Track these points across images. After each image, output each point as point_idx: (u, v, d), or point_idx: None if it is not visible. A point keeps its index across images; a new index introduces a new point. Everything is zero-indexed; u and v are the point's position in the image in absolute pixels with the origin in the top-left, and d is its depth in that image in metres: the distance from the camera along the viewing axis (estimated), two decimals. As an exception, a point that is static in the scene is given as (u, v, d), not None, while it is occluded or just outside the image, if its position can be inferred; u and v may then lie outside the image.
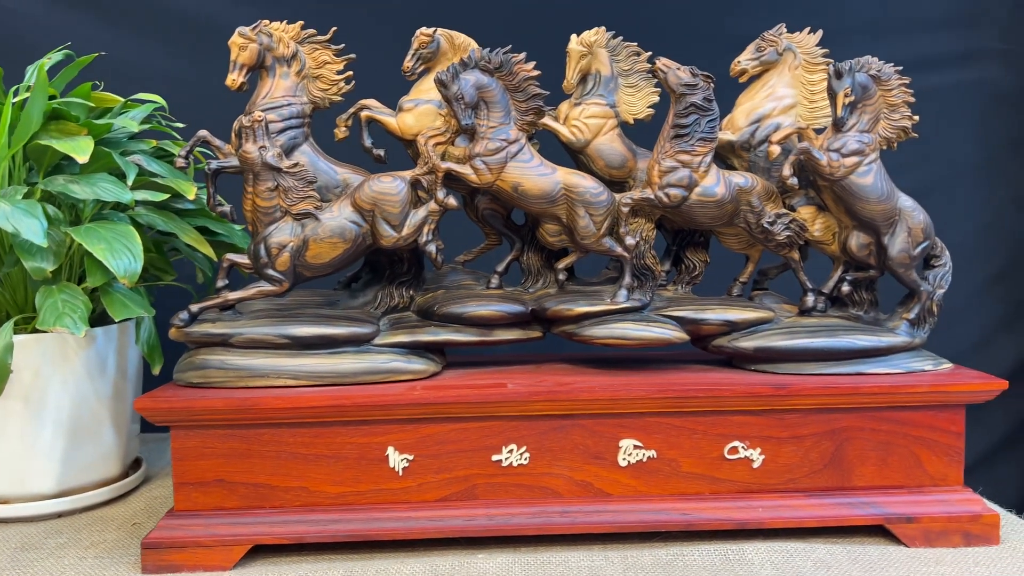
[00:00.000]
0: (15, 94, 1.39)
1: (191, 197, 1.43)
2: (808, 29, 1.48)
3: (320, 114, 1.43)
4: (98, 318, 1.47)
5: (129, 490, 1.54)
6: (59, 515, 1.43)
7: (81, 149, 1.30)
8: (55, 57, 1.52)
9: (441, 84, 1.30)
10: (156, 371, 1.52)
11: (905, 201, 1.37)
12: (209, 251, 1.48)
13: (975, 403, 1.31)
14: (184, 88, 1.81)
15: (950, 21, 2.12)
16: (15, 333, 1.34)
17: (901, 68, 1.35)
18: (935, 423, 1.31)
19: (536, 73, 1.34)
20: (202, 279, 1.66)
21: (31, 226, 1.23)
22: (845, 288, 1.41)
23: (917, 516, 1.28)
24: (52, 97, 1.40)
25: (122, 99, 1.57)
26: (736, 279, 1.48)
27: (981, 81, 2.14)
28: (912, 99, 1.35)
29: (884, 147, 1.36)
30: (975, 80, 2.14)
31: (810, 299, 1.41)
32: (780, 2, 2.01)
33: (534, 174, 1.32)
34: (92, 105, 1.50)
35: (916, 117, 1.36)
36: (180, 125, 1.67)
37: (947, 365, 1.37)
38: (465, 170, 1.32)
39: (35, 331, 1.38)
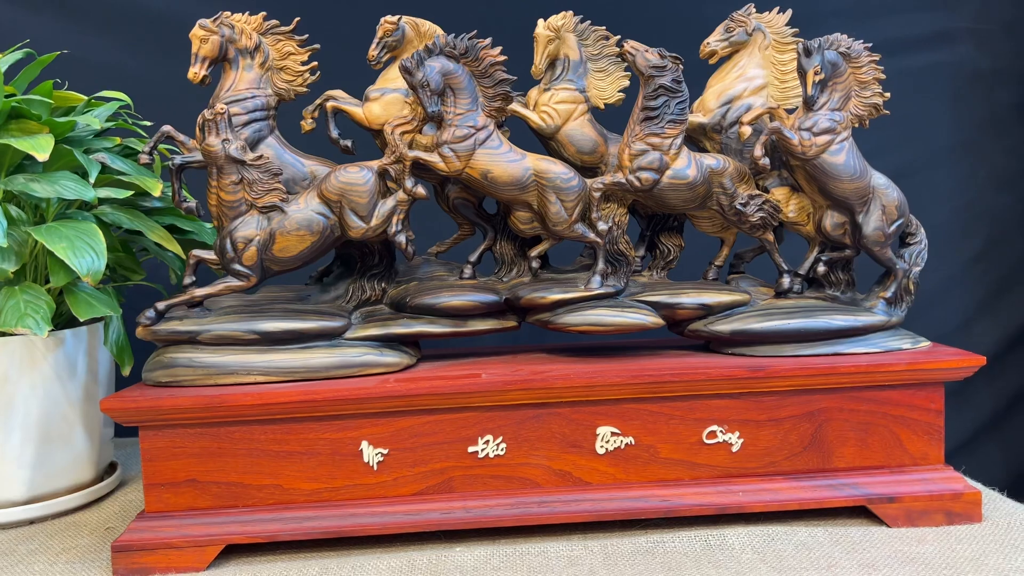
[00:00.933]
0: (-27, 93, 1.36)
1: (156, 194, 1.41)
2: (777, 9, 1.47)
3: (286, 106, 1.41)
4: (68, 320, 1.45)
5: (103, 495, 1.51)
6: (31, 522, 1.41)
7: (40, 147, 1.28)
8: (15, 55, 1.49)
9: (406, 71, 1.28)
10: (126, 372, 1.50)
11: (878, 179, 1.36)
12: (177, 249, 1.45)
13: (953, 380, 1.31)
14: (150, 85, 1.78)
15: (923, 3, 2.11)
16: (-21, 337, 1.32)
17: (871, 45, 1.34)
18: (914, 401, 1.30)
19: (503, 58, 1.32)
20: (175, 280, 1.63)
21: (-10, 226, 1.21)
22: (821, 269, 1.40)
23: (898, 496, 1.27)
24: (11, 95, 1.37)
25: (86, 97, 1.54)
26: (711, 263, 1.47)
27: (956, 62, 2.14)
28: (883, 76, 1.34)
29: (856, 125, 1.35)
30: (950, 61, 2.14)
31: (786, 281, 1.40)
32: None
33: (503, 161, 1.31)
34: (55, 104, 1.48)
35: (887, 94, 1.35)
36: (147, 123, 1.64)
37: (925, 343, 1.36)
38: (433, 158, 1.30)
39: (1, 334, 1.35)
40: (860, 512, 1.30)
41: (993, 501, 1.35)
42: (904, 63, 2.08)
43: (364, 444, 1.25)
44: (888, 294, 1.37)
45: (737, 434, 1.29)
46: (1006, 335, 2.16)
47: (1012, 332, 2.17)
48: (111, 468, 1.59)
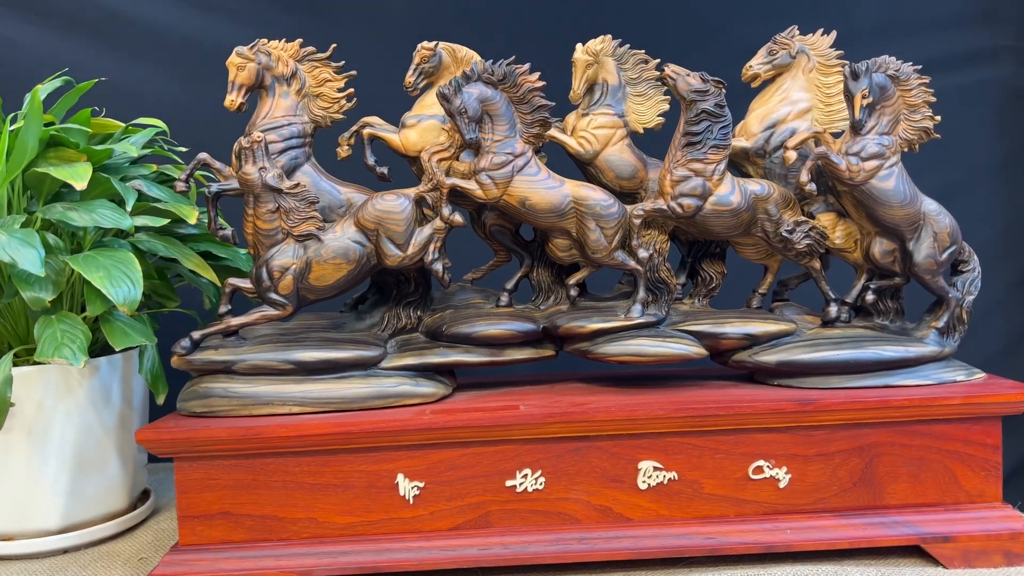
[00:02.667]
0: (12, 121, 1.37)
1: (192, 221, 1.40)
2: (821, 31, 1.44)
3: (322, 133, 1.40)
4: (102, 348, 1.44)
5: (137, 523, 1.50)
6: (64, 551, 1.39)
7: (79, 175, 1.28)
8: (52, 83, 1.50)
9: (444, 98, 1.26)
10: (160, 400, 1.49)
11: (929, 205, 1.32)
12: (212, 276, 1.45)
13: (1012, 414, 1.26)
14: (186, 112, 1.78)
15: (962, 20, 2.07)
16: (16, 365, 1.32)
17: (920, 67, 1.30)
18: (969, 436, 1.25)
19: (541, 84, 1.30)
20: (209, 305, 1.63)
21: (28, 256, 1.21)
22: (869, 297, 1.36)
23: (954, 535, 1.22)
24: (50, 124, 1.37)
25: (123, 124, 1.55)
26: (755, 290, 1.44)
27: (997, 80, 2.09)
28: (933, 99, 1.31)
29: (905, 149, 1.31)
30: (991, 79, 2.09)
31: (833, 309, 1.36)
32: (788, 6, 1.98)
33: (542, 187, 1.29)
34: (92, 131, 1.48)
35: (938, 118, 1.31)
36: (182, 149, 1.64)
37: (980, 375, 1.31)
38: (470, 185, 1.28)
39: (37, 363, 1.35)
40: (913, 552, 1.25)
41: (1054, 541, 1.29)
42: (944, 82, 2.01)
43: (400, 477, 1.23)
44: (940, 324, 1.32)
45: (784, 469, 1.25)
46: (1054, 360, 2.09)
47: (1061, 357, 2.10)
48: (144, 495, 1.58)
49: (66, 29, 1.93)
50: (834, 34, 1.44)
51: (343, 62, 1.39)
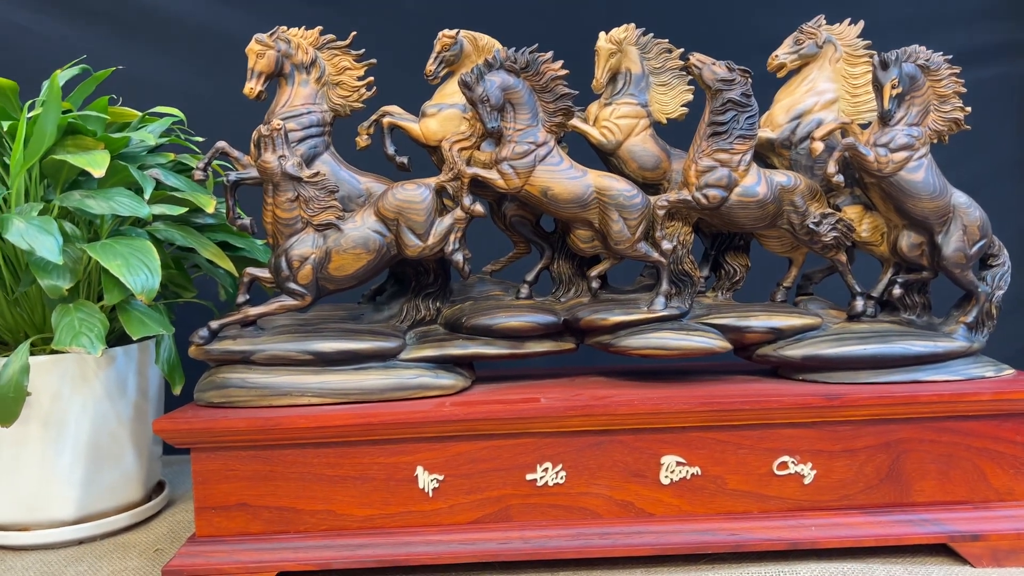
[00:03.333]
0: (30, 109, 1.36)
1: (210, 210, 1.40)
2: (848, 20, 1.43)
3: (341, 122, 1.40)
4: (118, 338, 1.44)
5: (152, 514, 1.50)
6: (79, 542, 1.40)
7: (97, 163, 1.27)
8: (70, 71, 1.49)
9: (466, 86, 1.25)
10: (177, 391, 1.49)
11: (959, 197, 1.30)
12: (229, 266, 1.44)
13: (1043, 411, 1.24)
14: (203, 101, 1.79)
15: (987, 13, 2.06)
16: (33, 354, 1.31)
17: (951, 56, 1.28)
18: (999, 433, 1.23)
19: (564, 72, 1.29)
20: (224, 296, 1.62)
21: (46, 243, 1.20)
22: (896, 291, 1.34)
23: (983, 533, 1.21)
24: (67, 112, 1.37)
25: (140, 113, 1.54)
26: (779, 284, 1.43)
27: (1021, 73, 2.07)
28: (963, 89, 1.30)
29: (935, 141, 1.30)
30: (1017, 72, 2.07)
31: (859, 303, 1.35)
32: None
33: (564, 177, 1.27)
34: (109, 119, 1.47)
35: (968, 109, 1.30)
36: (199, 139, 1.64)
37: (1009, 371, 1.30)
38: (492, 175, 1.27)
39: (53, 352, 1.34)
40: (941, 550, 1.23)
41: (1085, 541, 1.27)
42: (969, 75, 2.01)
43: (419, 469, 1.22)
44: (969, 319, 1.30)
45: (810, 465, 1.23)
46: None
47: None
48: (159, 487, 1.58)
49: (83, 18, 1.94)
50: (861, 24, 1.42)
51: (363, 50, 1.38)
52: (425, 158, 1.42)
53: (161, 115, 1.58)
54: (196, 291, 1.55)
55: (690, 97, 1.41)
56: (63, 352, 1.32)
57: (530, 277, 1.41)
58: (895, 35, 1.95)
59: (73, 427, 1.37)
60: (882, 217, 1.34)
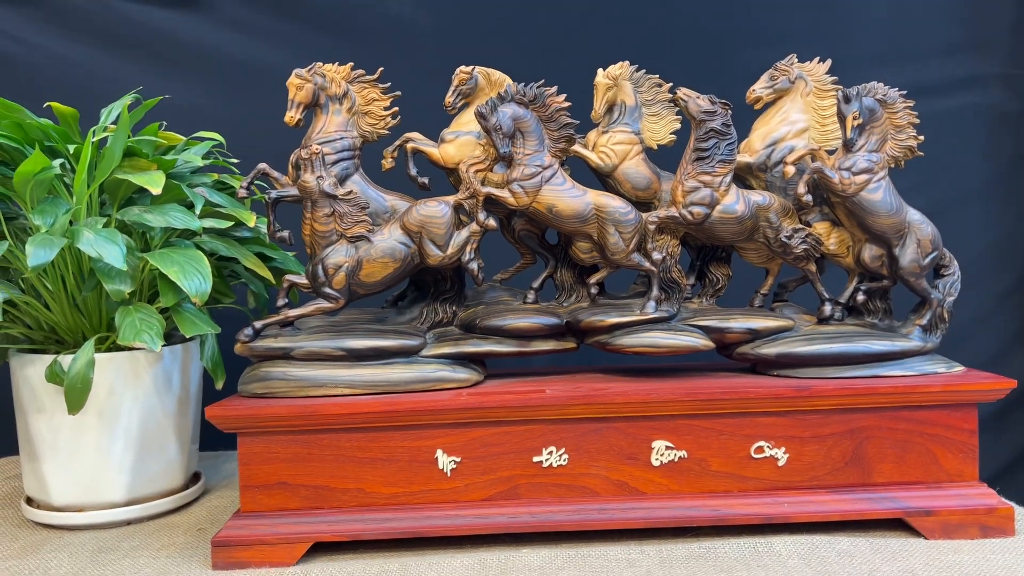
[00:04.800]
0: (93, 135, 1.53)
1: (251, 224, 1.55)
2: (817, 59, 1.58)
3: (369, 146, 1.55)
4: (165, 338, 1.58)
5: (191, 500, 1.64)
6: (128, 522, 1.53)
7: (155, 182, 1.43)
8: (123, 101, 1.66)
9: (481, 116, 1.42)
10: (219, 386, 1.63)
11: (913, 215, 1.46)
12: (267, 275, 1.59)
13: (987, 402, 1.39)
14: (239, 126, 1.94)
15: (956, 48, 2.22)
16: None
17: (905, 92, 1.45)
18: (950, 422, 1.38)
19: (567, 104, 1.45)
20: (254, 304, 1.77)
21: (113, 252, 1.35)
22: (860, 298, 1.49)
23: (935, 509, 1.35)
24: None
25: (184, 138, 1.70)
26: (757, 291, 1.57)
27: (989, 104, 2.23)
28: (917, 120, 1.45)
29: (892, 165, 1.45)
30: (983, 103, 2.23)
31: (827, 308, 1.50)
32: (794, 35, 2.13)
33: (567, 196, 1.43)
34: (158, 143, 1.64)
35: (921, 137, 1.45)
36: (236, 160, 1.79)
37: (959, 368, 1.44)
38: (504, 194, 1.43)
39: (108, 350, 1.49)
40: (898, 525, 1.37)
41: (1026, 517, 1.43)
42: (939, 105, 2.18)
43: (439, 452, 1.36)
44: (924, 322, 1.46)
45: (783, 449, 1.38)
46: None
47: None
48: (195, 478, 1.71)
49: (130, 55, 2.11)
50: (829, 61, 1.58)
51: (389, 83, 1.54)
52: (443, 179, 1.57)
53: (203, 139, 1.73)
54: (234, 297, 1.70)
55: (678, 126, 1.56)
56: (119, 349, 1.47)
57: (536, 284, 1.55)
58: (870, 68, 2.13)
59: (125, 418, 1.50)
60: (847, 232, 1.50)
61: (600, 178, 1.57)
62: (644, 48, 2.11)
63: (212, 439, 1.73)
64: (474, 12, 2.16)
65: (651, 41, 2.16)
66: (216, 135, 1.74)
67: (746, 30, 2.17)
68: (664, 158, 1.58)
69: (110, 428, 1.50)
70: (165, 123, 1.72)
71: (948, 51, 2.22)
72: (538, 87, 1.44)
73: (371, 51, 2.10)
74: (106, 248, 1.36)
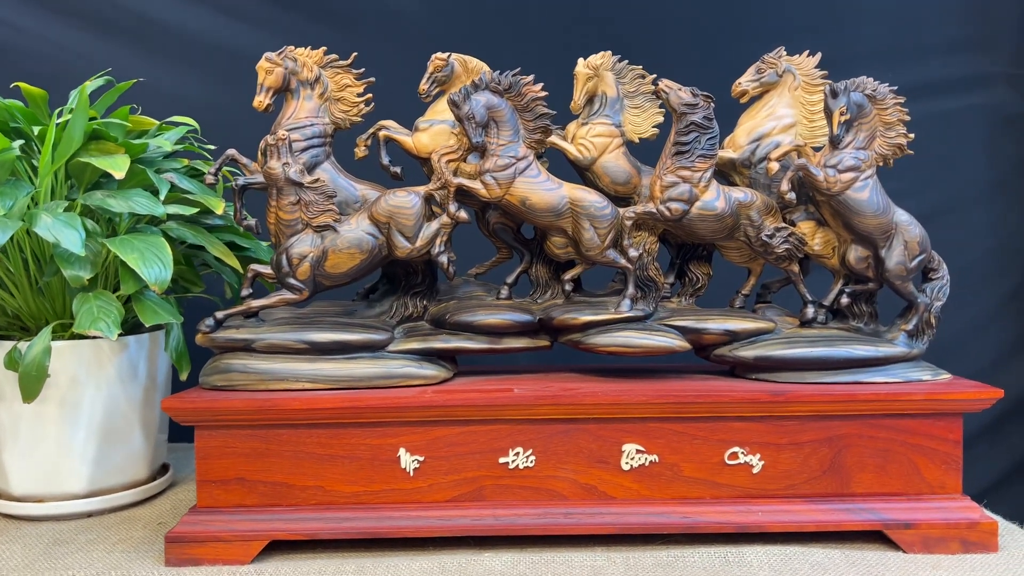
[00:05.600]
0: (59, 116, 1.49)
1: (219, 212, 1.51)
2: (807, 52, 1.53)
3: (341, 134, 1.52)
4: (130, 327, 1.55)
5: (156, 493, 1.61)
6: (89, 514, 1.50)
7: (118, 166, 1.39)
8: (96, 82, 1.62)
9: (454, 104, 1.37)
10: (184, 377, 1.60)
11: (901, 216, 1.41)
12: (236, 263, 1.56)
13: (972, 411, 1.34)
14: (215, 112, 1.90)
15: (960, 46, 2.16)
16: (53, 340, 1.42)
17: (896, 88, 1.40)
18: (933, 431, 1.33)
19: (544, 94, 1.41)
20: (230, 294, 1.73)
21: (70, 237, 1.32)
22: (845, 300, 1.45)
23: (915, 522, 1.31)
24: (93, 119, 1.49)
25: (157, 122, 1.67)
26: (738, 291, 1.53)
27: (991, 105, 2.17)
28: (907, 117, 1.40)
29: (880, 164, 1.40)
30: (985, 104, 2.17)
31: (810, 311, 1.45)
32: (792, 30, 2.07)
33: (541, 189, 1.39)
34: (130, 127, 1.60)
35: (911, 135, 1.40)
36: (211, 146, 1.76)
37: (945, 376, 1.40)
38: (476, 185, 1.39)
39: (72, 338, 1.46)
40: (876, 537, 1.33)
41: (1011, 532, 1.38)
42: (940, 105, 2.13)
43: (402, 451, 1.33)
44: (909, 327, 1.41)
45: (758, 456, 1.33)
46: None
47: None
48: (163, 469, 1.68)
49: (108, 34, 2.06)
50: (819, 55, 1.53)
51: (363, 69, 1.50)
52: (417, 169, 1.54)
53: (177, 124, 1.70)
54: (204, 286, 1.66)
55: (661, 119, 1.52)
56: (82, 337, 1.44)
57: (510, 279, 1.51)
58: (871, 66, 2.06)
59: (87, 408, 1.48)
60: (833, 232, 1.45)
61: (579, 171, 1.53)
62: (630, 37, 2.05)
63: (189, 430, 1.69)
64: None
65: (638, 30, 2.09)
66: (190, 120, 1.71)
67: (746, 27, 2.12)
68: (646, 152, 1.54)
69: (72, 417, 1.47)
70: (139, 107, 1.69)
71: (952, 51, 2.16)
72: (514, 75, 1.40)
73: (359, 38, 2.04)
74: (64, 233, 1.32)
